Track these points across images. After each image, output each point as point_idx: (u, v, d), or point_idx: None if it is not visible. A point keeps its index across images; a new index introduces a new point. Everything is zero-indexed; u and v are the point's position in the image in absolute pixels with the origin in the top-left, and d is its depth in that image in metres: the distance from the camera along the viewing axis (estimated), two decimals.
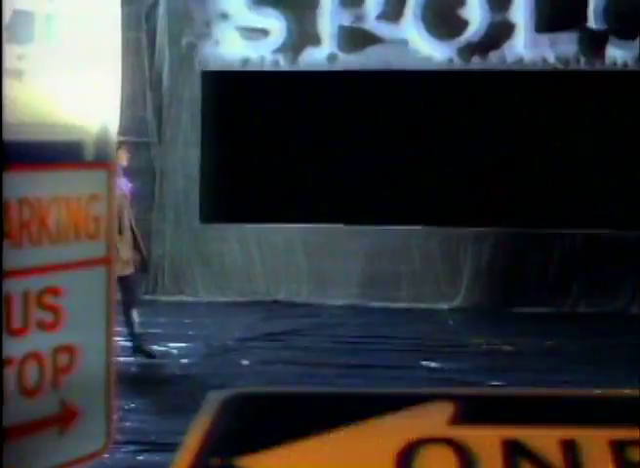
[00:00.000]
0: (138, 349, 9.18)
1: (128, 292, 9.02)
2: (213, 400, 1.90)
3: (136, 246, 9.18)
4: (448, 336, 10.31)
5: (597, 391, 1.88)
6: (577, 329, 10.77)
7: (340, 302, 12.03)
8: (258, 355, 9.38)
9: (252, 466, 1.68)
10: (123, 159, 9.09)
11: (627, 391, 1.88)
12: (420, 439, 1.65)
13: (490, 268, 12.09)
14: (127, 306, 9.04)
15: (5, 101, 2.45)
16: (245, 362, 9.16)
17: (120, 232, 8.84)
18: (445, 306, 11.97)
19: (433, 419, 1.70)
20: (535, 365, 8.87)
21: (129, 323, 9.10)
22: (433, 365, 8.97)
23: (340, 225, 12.11)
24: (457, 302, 12.04)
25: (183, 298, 12.27)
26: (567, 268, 12.00)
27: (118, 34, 2.90)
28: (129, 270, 8.98)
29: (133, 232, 9.15)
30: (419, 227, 12.04)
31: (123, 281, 8.96)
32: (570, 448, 1.66)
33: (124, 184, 9.06)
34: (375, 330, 10.68)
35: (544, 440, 1.67)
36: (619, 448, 1.66)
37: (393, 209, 11.92)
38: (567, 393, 1.89)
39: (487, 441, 1.65)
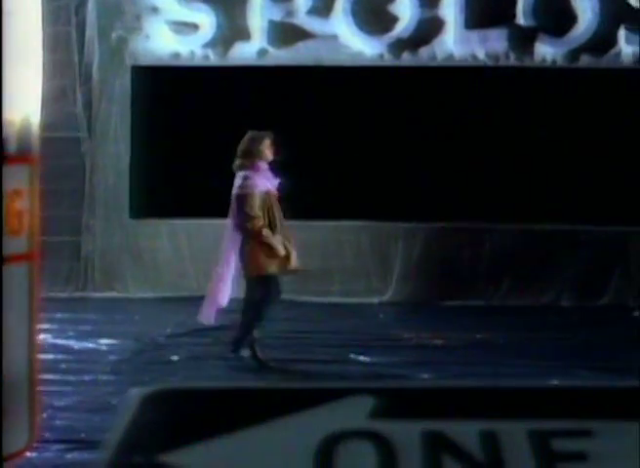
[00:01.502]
0: (236, 349, 8.78)
1: (273, 291, 8.72)
2: (134, 396, 1.88)
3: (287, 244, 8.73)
4: (379, 331, 10.35)
5: (517, 382, 1.90)
6: (507, 322, 10.87)
7: None
8: (188, 351, 9.34)
9: (174, 462, 1.66)
10: (269, 154, 8.79)
11: (548, 382, 1.90)
12: (340, 432, 1.65)
13: (421, 262, 12.15)
14: (264, 305, 8.72)
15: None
16: (175, 358, 9.12)
17: (273, 231, 8.59)
18: (376, 300, 12.02)
19: (354, 413, 1.70)
20: (466, 358, 8.92)
21: (253, 322, 8.72)
22: (363, 359, 8.98)
23: None
24: (387, 297, 12.09)
25: (114, 295, 12.17)
26: (497, 262, 12.10)
27: (39, 27, 2.87)
28: (280, 269, 8.65)
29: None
30: (350, 222, 12.07)
31: (269, 279, 8.65)
32: (489, 440, 1.67)
33: (272, 181, 8.72)
34: (305, 324, 10.69)
35: (464, 432, 1.68)
36: (538, 438, 1.68)
37: (324, 203, 11.94)
38: (487, 385, 1.90)
39: (407, 433, 1.66)
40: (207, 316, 8.84)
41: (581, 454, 1.64)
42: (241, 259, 8.66)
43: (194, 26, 12.21)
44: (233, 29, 12.18)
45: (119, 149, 12.41)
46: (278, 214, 8.69)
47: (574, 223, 11.98)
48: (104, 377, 8.50)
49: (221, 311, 8.83)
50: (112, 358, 9.15)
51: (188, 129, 12.16)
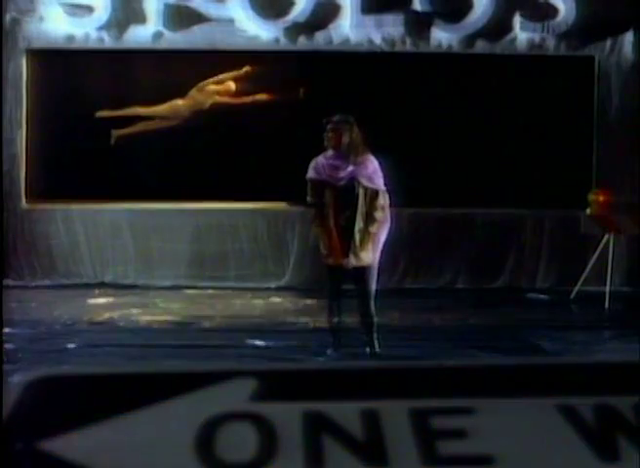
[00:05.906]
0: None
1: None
2: (17, 383, 1.85)
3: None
4: (275, 315, 10.38)
5: (397, 362, 1.92)
6: (403, 304, 10.96)
7: (167, 283, 11.98)
8: (85, 338, 9.26)
9: (56, 449, 1.65)
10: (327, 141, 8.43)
11: (428, 361, 1.93)
12: (221, 415, 1.65)
13: (316, 247, 12.19)
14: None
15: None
16: (71, 345, 9.02)
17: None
18: (272, 285, 12.04)
19: (235, 396, 1.70)
20: (363, 341, 8.96)
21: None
22: (259, 343, 8.98)
23: (167, 205, 12.04)
24: (284, 281, 12.12)
25: (9, 283, 11.98)
26: (393, 245, 12.19)
27: None
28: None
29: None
30: (246, 206, 12.05)
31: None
32: (371, 419, 1.68)
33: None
34: (203, 309, 10.68)
35: (346, 411, 1.69)
36: (419, 417, 1.70)
37: (220, 187, 11.93)
38: (368, 365, 1.92)
39: (288, 415, 1.67)
40: None
41: (462, 432, 1.67)
42: None
43: (89, 9, 12.05)
44: (128, 12, 12.06)
45: (14, 134, 12.21)
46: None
47: (469, 206, 12.13)
48: None
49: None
50: (8, 347, 9.01)
51: (84, 113, 12.02)
